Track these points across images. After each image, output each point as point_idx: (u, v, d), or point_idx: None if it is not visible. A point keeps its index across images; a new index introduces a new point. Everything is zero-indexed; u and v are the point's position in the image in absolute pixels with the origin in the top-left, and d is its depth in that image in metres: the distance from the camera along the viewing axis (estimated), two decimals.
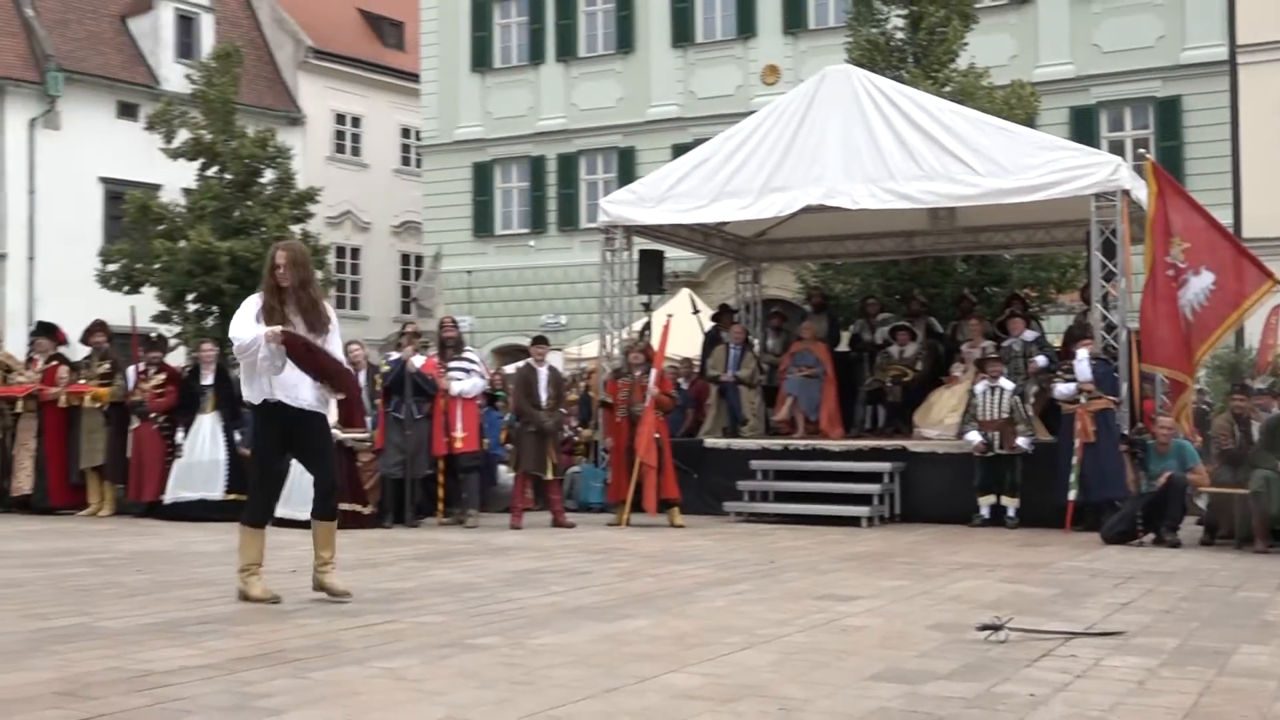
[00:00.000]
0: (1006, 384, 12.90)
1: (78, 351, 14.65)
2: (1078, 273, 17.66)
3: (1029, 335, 14.35)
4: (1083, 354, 12.33)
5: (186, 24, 34.57)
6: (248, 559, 6.91)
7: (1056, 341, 15.39)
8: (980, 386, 12.95)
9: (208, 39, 33.61)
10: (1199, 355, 12.81)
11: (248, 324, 6.83)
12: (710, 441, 14.85)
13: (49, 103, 31.62)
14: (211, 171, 25.79)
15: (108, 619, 6.17)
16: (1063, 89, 24.77)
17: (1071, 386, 12.24)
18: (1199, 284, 12.47)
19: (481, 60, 31.01)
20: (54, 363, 14.09)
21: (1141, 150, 15.67)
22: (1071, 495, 11.97)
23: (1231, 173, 23.38)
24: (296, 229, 25.87)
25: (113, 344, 14.19)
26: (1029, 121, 17.76)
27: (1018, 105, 18.31)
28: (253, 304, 6.98)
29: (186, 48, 33.88)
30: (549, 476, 12.67)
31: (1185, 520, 11.24)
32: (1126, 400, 12.52)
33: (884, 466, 13.30)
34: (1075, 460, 11.94)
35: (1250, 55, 24.15)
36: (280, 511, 11.86)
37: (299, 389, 6.87)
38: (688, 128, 27.79)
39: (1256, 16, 23.93)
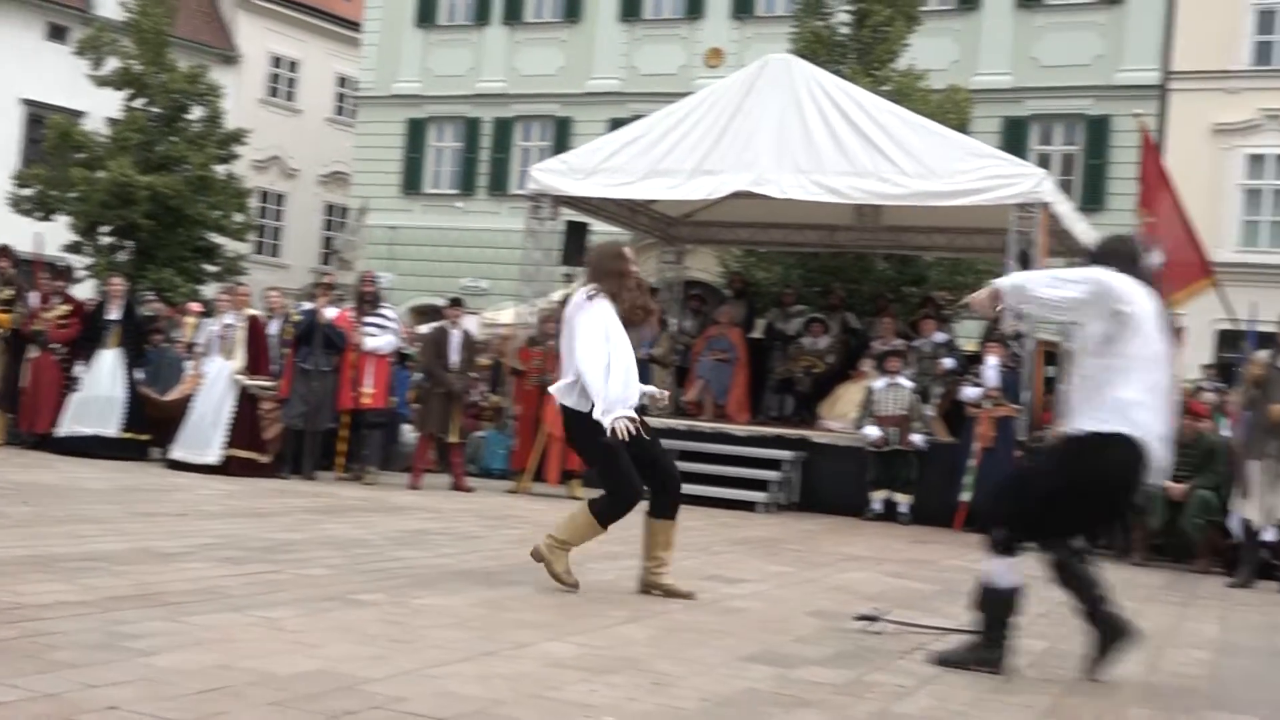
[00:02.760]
0: (905, 381, 13.10)
1: None
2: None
3: (939, 337, 14.58)
4: (992, 360, 12.55)
5: None
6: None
7: (968, 345, 15.64)
8: (879, 383, 13.14)
9: None
10: None
11: (605, 374, 6.27)
12: None
13: None
14: (138, 103, 25.33)
15: None
16: (998, 98, 25.09)
17: (978, 390, 12.46)
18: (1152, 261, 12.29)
19: (426, 16, 30.70)
20: None
21: (1138, 111, 15.64)
22: (965, 497, 12.20)
23: None
24: (221, 169, 25.53)
25: (19, 270, 13.87)
26: (961, 127, 17.97)
27: (952, 110, 18.56)
28: (602, 314, 6.40)
29: None
30: (452, 439, 12.66)
31: None
32: (1027, 408, 12.76)
33: (785, 455, 13.44)
34: (973, 463, 12.17)
35: (1182, 82, 24.67)
36: (176, 454, 11.78)
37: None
38: (627, 103, 27.75)
39: (1192, 45, 24.45)
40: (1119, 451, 4.89)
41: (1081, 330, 5.08)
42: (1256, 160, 24.40)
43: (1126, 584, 9.07)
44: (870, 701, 4.43)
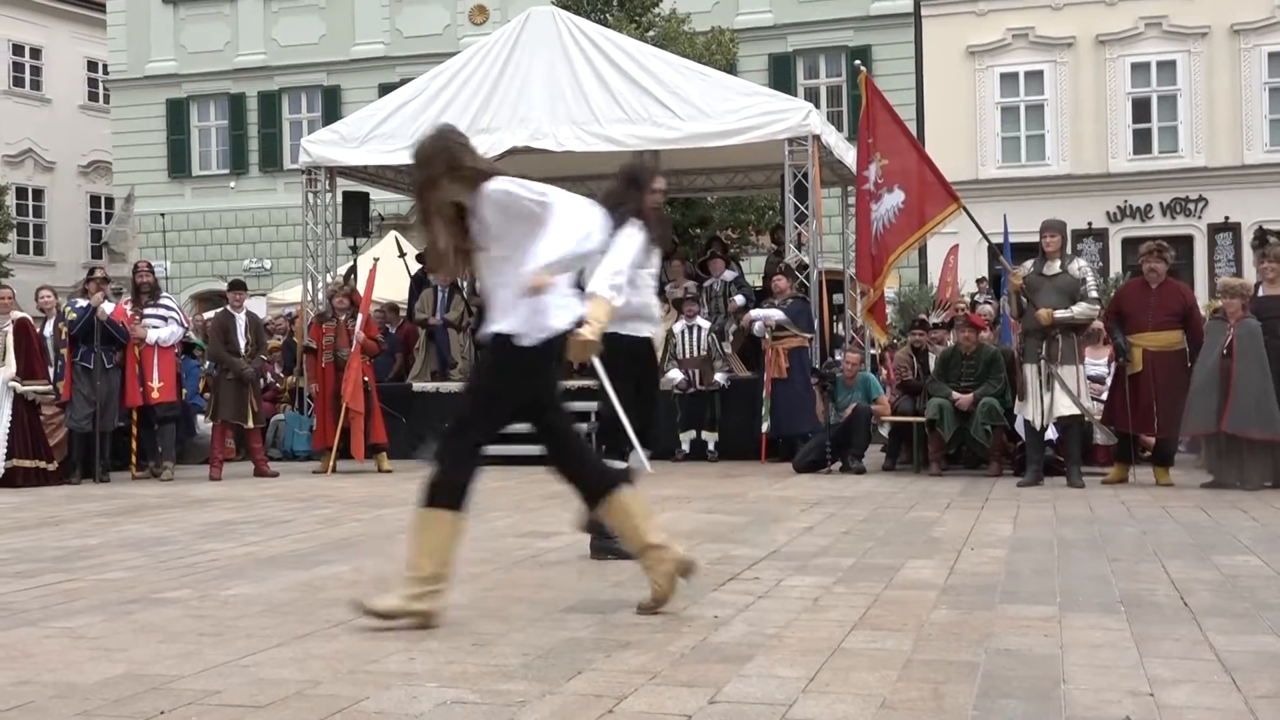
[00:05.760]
0: (703, 323, 13.35)
1: None
2: (775, 214, 18.38)
3: (729, 275, 14.86)
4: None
5: None
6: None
7: (756, 281, 15.98)
8: (679, 326, 13.35)
9: None
10: (883, 275, 12.57)
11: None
12: (419, 385, 14.74)
13: None
14: None
15: None
16: (762, 36, 25.57)
17: (759, 324, 12.75)
18: (891, 201, 12.20)
19: None
20: None
21: (857, 62, 16.10)
22: (764, 428, 12.50)
23: (916, 120, 24.77)
24: None
25: None
26: (730, 68, 18.28)
27: (718, 51, 18.83)
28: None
29: None
30: (250, 425, 12.34)
31: (870, 448, 11.93)
32: (817, 336, 13.13)
33: (591, 405, 13.49)
34: (765, 394, 12.47)
35: (934, 8, 25.57)
36: None
37: None
38: (395, 67, 27.27)
39: None
40: None
41: None
42: (1009, 78, 25.52)
43: (925, 494, 9.49)
44: (688, 635, 4.52)
